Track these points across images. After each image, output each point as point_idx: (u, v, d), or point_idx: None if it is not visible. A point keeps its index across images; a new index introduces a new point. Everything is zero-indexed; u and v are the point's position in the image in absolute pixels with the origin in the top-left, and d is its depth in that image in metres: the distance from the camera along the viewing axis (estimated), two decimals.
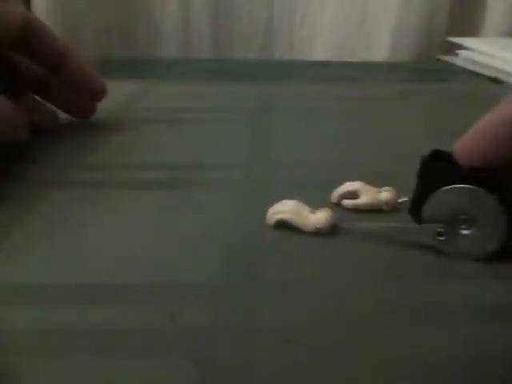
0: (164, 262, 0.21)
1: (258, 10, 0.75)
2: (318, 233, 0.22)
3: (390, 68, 0.68)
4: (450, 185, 0.20)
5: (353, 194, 0.25)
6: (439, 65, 0.69)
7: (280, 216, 0.23)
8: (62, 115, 0.37)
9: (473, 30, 0.76)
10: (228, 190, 0.27)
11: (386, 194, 0.25)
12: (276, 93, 0.48)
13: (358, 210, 0.25)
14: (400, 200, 0.25)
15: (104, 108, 0.42)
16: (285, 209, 0.23)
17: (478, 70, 0.62)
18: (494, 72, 0.59)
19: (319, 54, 0.76)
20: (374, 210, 0.25)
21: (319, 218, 0.22)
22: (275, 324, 0.17)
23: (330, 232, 0.22)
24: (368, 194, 0.25)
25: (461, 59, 0.66)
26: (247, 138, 0.36)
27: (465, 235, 0.21)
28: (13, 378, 0.15)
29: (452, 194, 0.20)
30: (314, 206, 0.23)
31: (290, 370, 0.15)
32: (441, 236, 0.21)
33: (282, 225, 0.23)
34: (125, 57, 0.71)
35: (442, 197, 0.21)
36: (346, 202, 0.25)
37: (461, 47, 0.66)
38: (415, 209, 0.22)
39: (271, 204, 0.24)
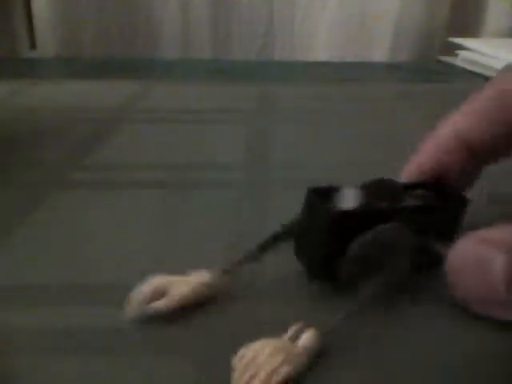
0: (164, 262, 0.21)
1: (258, 11, 0.75)
2: None
3: (390, 68, 0.68)
4: (364, 231, 0.18)
5: (161, 292, 0.18)
6: (439, 65, 0.69)
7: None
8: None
9: (473, 31, 0.76)
10: (228, 190, 0.27)
11: (197, 279, 0.19)
12: (276, 93, 0.48)
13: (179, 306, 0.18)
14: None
15: (104, 108, 0.42)
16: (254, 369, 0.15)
17: (477, 70, 0.62)
18: (493, 72, 0.59)
19: (319, 54, 0.76)
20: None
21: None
22: (275, 324, 0.17)
23: None
24: (180, 287, 0.18)
25: (461, 60, 0.66)
26: (247, 138, 0.36)
27: (387, 268, 0.19)
28: (13, 377, 0.15)
29: (368, 239, 0.18)
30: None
31: None
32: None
33: None
34: (125, 57, 0.71)
35: (357, 247, 0.18)
36: (158, 304, 0.18)
37: (461, 48, 0.66)
38: (325, 269, 0.19)
39: (271, 204, 0.24)
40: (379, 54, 0.75)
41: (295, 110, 0.43)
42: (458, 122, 0.22)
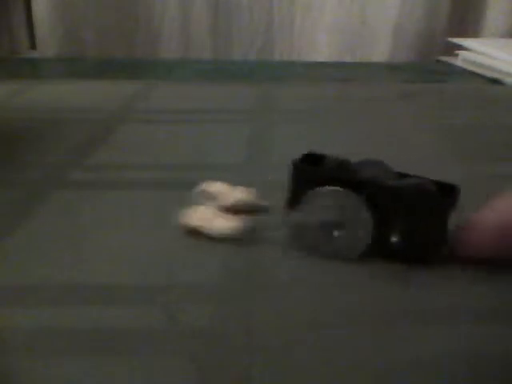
0: (164, 262, 0.21)
1: (258, 11, 0.75)
2: (225, 239, 0.22)
3: (390, 68, 0.68)
4: (317, 187, 0.20)
5: (210, 195, 0.24)
6: (439, 65, 0.69)
7: (189, 223, 0.22)
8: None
9: (473, 31, 0.76)
10: None
11: (240, 195, 0.24)
12: (276, 93, 0.48)
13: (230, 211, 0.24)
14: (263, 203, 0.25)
15: (104, 108, 0.42)
16: (195, 215, 0.22)
17: (477, 70, 0.62)
18: (493, 72, 0.59)
19: (319, 54, 0.76)
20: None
21: (225, 224, 0.22)
22: (275, 324, 0.17)
23: (237, 238, 0.22)
24: (224, 196, 0.24)
25: (460, 60, 0.66)
26: (247, 138, 0.36)
27: (336, 237, 0.21)
28: (12, 377, 0.15)
29: (320, 197, 0.20)
30: (230, 210, 0.23)
31: (289, 370, 0.15)
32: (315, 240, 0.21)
33: (194, 232, 0.22)
34: (125, 57, 0.71)
35: (311, 201, 0.21)
36: (204, 203, 0.24)
37: (461, 48, 0.66)
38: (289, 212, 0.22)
39: (271, 204, 0.24)
40: (379, 54, 0.75)
41: (295, 111, 0.43)
42: None
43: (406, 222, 0.20)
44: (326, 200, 0.20)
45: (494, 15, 0.76)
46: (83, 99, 0.45)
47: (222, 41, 0.76)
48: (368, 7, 0.74)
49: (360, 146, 0.34)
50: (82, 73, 0.59)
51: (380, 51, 0.75)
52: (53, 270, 0.20)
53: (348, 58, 0.73)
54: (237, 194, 0.24)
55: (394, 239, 0.20)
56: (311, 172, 0.21)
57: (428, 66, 0.69)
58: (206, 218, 0.22)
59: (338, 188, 0.20)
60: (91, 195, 0.27)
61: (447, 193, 0.20)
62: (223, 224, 0.22)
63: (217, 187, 0.24)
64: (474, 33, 0.77)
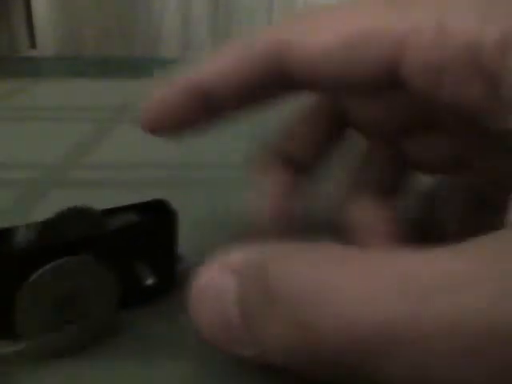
0: None
1: (258, 10, 0.75)
2: None
3: None
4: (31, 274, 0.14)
5: None
6: None
7: None
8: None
9: None
10: (228, 189, 0.27)
11: None
12: None
13: None
14: None
15: (104, 107, 0.42)
16: None
17: None
18: None
19: None
20: None
21: None
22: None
23: None
24: None
25: None
26: (247, 136, 0.36)
27: (83, 315, 0.16)
28: (13, 377, 0.15)
29: (42, 284, 0.15)
30: None
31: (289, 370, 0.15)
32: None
33: None
34: (125, 56, 0.71)
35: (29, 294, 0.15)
36: None
37: None
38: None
39: None
40: None
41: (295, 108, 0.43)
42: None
43: (143, 259, 0.17)
44: (53, 282, 0.15)
45: None
46: (83, 97, 0.45)
47: (222, 40, 0.76)
48: None
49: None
50: (82, 71, 0.59)
51: None
52: None
53: None
54: None
55: (148, 281, 0.17)
56: (11, 258, 0.15)
57: None
58: None
59: (61, 261, 0.15)
60: (91, 194, 0.27)
61: (163, 213, 0.18)
62: None
63: None
64: None
